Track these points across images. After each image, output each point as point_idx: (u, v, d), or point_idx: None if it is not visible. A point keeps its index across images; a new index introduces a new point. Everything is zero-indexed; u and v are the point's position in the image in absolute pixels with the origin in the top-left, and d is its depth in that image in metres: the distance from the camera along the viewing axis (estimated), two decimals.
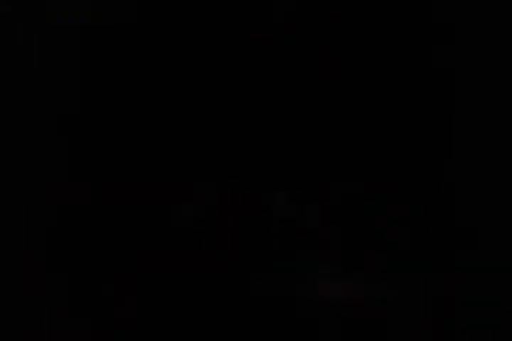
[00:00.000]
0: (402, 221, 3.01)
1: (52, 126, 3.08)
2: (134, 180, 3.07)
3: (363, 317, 2.94)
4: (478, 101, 3.04)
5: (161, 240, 3.03)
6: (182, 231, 3.03)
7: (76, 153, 3.07)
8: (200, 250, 3.02)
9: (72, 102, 3.09)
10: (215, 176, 3.07)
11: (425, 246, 2.99)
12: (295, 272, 3.00)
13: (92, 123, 3.09)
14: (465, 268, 2.95)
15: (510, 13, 3.04)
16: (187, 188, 3.07)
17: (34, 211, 3.02)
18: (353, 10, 3.09)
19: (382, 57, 3.08)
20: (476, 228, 2.98)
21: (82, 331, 2.94)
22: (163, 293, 2.98)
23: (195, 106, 3.10)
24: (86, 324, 2.95)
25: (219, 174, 3.07)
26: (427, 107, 3.07)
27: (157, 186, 3.06)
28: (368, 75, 3.08)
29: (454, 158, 3.03)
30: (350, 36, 3.09)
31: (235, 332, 2.95)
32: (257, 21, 3.10)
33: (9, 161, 3.05)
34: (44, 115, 3.08)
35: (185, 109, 3.10)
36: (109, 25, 3.10)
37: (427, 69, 3.07)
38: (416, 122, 3.07)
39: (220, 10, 3.11)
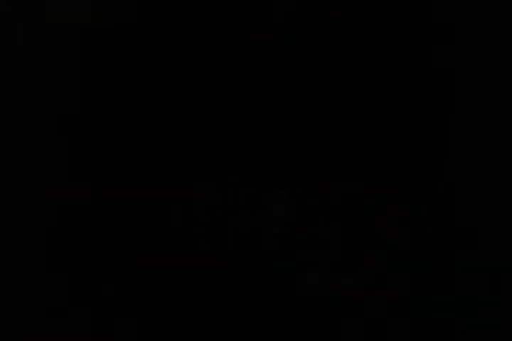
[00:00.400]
0: (402, 221, 3.01)
1: (52, 126, 3.08)
2: (134, 180, 3.07)
3: (363, 317, 2.94)
4: (478, 101, 3.04)
5: (161, 240, 3.03)
6: (182, 231, 3.03)
7: (76, 153, 3.07)
8: (200, 250, 3.02)
9: (72, 102, 3.09)
10: (215, 176, 3.07)
11: (425, 246, 2.99)
12: (295, 272, 3.00)
13: (92, 123, 3.09)
14: (465, 268, 2.95)
15: (511, 13, 3.04)
16: (187, 188, 3.07)
17: (34, 211, 3.02)
18: (353, 10, 3.09)
19: (382, 57, 3.08)
20: (476, 228, 2.98)
21: (81, 331, 2.94)
22: (163, 293, 2.98)
23: (195, 106, 3.10)
24: (86, 324, 2.95)
25: (219, 174, 3.07)
26: (427, 107, 3.07)
27: (157, 186, 3.06)
28: (368, 75, 3.09)
29: (454, 158, 3.03)
30: (350, 36, 3.09)
31: (235, 332, 2.95)
32: (257, 21, 3.10)
33: (9, 161, 3.05)
34: (44, 115, 3.08)
35: (185, 109, 3.10)
36: (109, 25, 3.10)
37: (427, 69, 3.07)
38: (416, 122, 3.07)
39: (219, 10, 3.11)
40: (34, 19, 3.09)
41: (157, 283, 2.98)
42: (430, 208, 3.01)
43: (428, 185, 3.03)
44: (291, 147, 3.09)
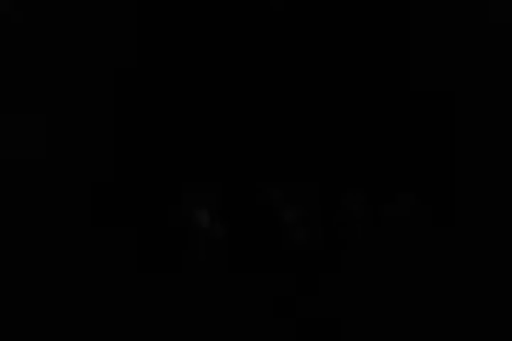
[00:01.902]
0: (402, 220, 3.02)
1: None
2: (134, 180, 3.06)
3: (363, 316, 2.94)
4: (479, 102, 3.05)
5: (160, 240, 3.02)
6: (182, 232, 3.03)
7: (76, 153, 3.07)
8: (200, 250, 3.02)
9: (72, 102, 3.09)
10: (216, 176, 3.07)
11: (425, 246, 3.00)
12: (295, 272, 3.00)
13: (91, 123, 3.09)
14: (465, 268, 2.96)
15: (510, 15, 3.06)
16: (187, 188, 3.07)
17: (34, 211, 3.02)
18: (353, 10, 3.10)
19: (382, 58, 3.09)
20: (476, 228, 2.99)
21: (81, 331, 2.94)
22: (163, 293, 2.97)
23: (194, 106, 3.11)
24: (86, 324, 2.94)
25: (220, 174, 3.07)
26: (428, 107, 3.08)
27: (157, 186, 3.06)
28: (369, 75, 3.09)
29: (454, 157, 3.04)
30: (350, 36, 3.10)
31: (236, 333, 2.94)
32: (257, 20, 3.11)
33: (6, 162, 3.04)
34: (44, 115, 3.08)
35: (185, 109, 3.11)
36: (109, 25, 3.11)
37: (427, 69, 3.08)
38: (417, 122, 3.08)
39: (219, 10, 3.12)
40: (34, 19, 3.09)
41: (157, 283, 2.98)
42: (430, 208, 3.02)
43: (429, 184, 3.04)
44: (291, 147, 3.09)
